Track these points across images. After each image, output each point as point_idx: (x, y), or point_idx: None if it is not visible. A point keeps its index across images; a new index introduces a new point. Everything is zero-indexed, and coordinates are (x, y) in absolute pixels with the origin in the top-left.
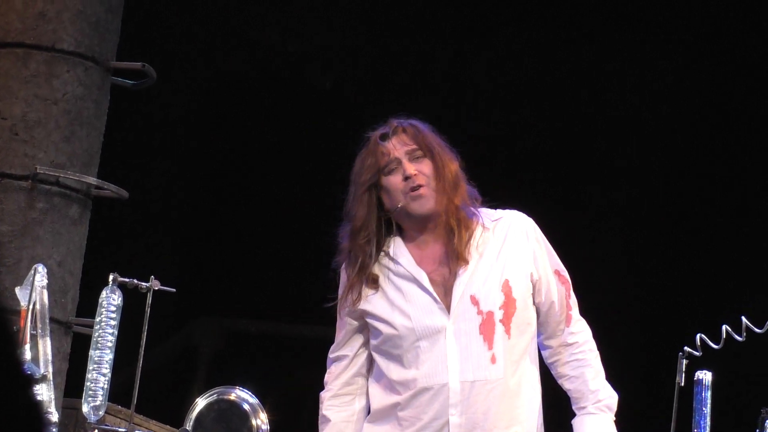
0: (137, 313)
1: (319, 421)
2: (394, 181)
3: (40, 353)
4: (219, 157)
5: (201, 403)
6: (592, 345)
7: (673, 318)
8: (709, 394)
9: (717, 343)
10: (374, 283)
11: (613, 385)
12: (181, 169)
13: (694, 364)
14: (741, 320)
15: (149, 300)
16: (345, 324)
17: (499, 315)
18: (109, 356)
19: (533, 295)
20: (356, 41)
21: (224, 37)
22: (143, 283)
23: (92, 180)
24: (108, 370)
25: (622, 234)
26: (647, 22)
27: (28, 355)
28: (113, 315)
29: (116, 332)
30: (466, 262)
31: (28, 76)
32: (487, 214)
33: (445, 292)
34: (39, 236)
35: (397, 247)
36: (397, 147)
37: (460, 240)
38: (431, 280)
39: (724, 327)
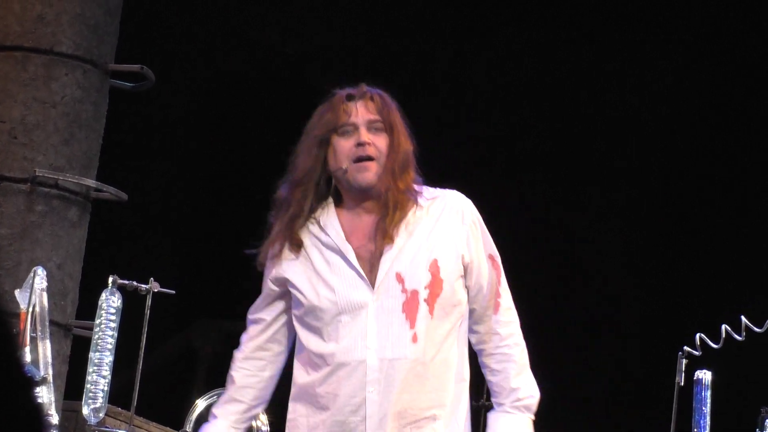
0: (137, 315)
1: (227, 380)
2: (345, 144)
3: (40, 356)
4: (218, 159)
5: (201, 404)
6: (519, 338)
7: (672, 318)
8: (708, 393)
9: (717, 343)
10: (297, 247)
11: (614, 384)
12: (181, 171)
13: (694, 364)
14: (740, 320)
15: (149, 302)
16: (267, 287)
17: (424, 294)
18: (109, 358)
19: (464, 277)
20: (356, 41)
21: (223, 38)
22: (143, 285)
23: (91, 182)
24: (108, 373)
25: (622, 234)
26: (647, 22)
27: (28, 357)
28: (113, 317)
29: (116, 334)
30: (392, 240)
31: (26, 79)
32: (426, 192)
33: (371, 267)
34: (38, 239)
35: (328, 216)
36: (360, 112)
37: (390, 220)
38: (358, 256)
39: (723, 326)
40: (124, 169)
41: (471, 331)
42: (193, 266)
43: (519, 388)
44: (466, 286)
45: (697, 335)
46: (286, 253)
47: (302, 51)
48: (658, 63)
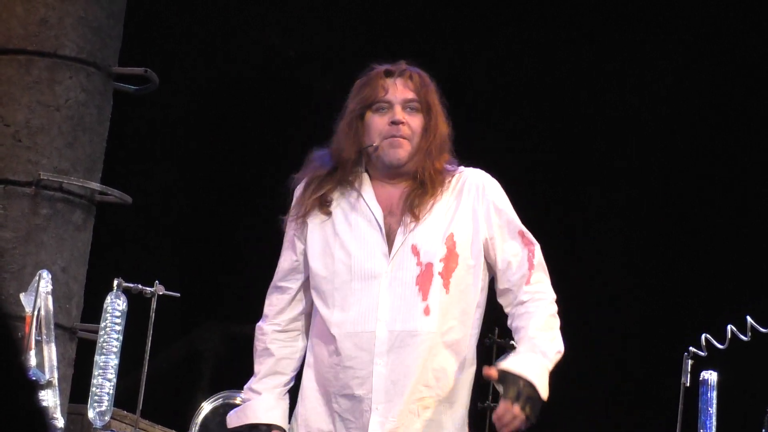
0: (142, 318)
1: (258, 354)
2: (379, 121)
3: (45, 359)
4: (222, 161)
5: (206, 407)
6: (547, 304)
7: (678, 318)
8: (714, 394)
9: (722, 343)
10: (325, 208)
11: (619, 385)
12: (185, 174)
13: (700, 365)
14: (746, 320)
15: (154, 305)
16: (292, 246)
17: (438, 267)
18: (114, 361)
19: (487, 257)
20: (357, 42)
21: (226, 41)
22: (148, 288)
23: (96, 186)
24: (113, 376)
25: (624, 234)
26: (647, 22)
27: (33, 361)
28: (118, 320)
29: (121, 337)
30: (417, 218)
31: (30, 83)
32: (452, 171)
33: (388, 238)
34: (43, 242)
35: (362, 183)
36: (398, 90)
37: (422, 198)
38: (384, 222)
39: (729, 327)
40: (128, 172)
41: (506, 311)
42: (197, 269)
43: (537, 336)
44: (489, 266)
45: (703, 336)
46: (313, 213)
47: (304, 52)
48: (658, 63)
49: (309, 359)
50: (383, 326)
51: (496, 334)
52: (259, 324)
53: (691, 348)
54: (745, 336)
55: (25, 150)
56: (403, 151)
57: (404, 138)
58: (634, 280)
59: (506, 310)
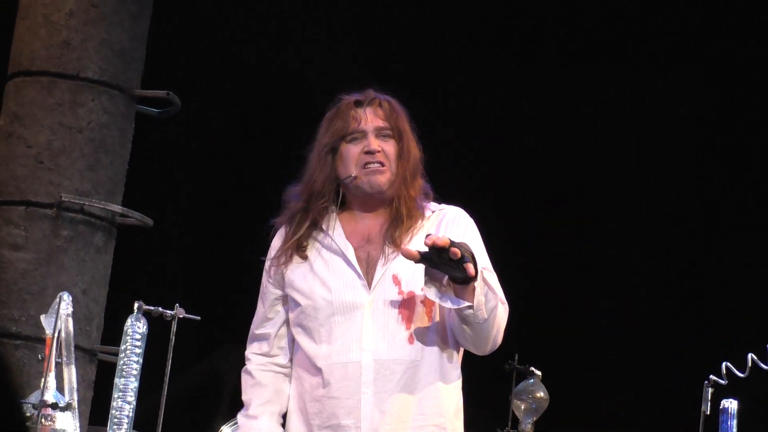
0: (162, 341)
1: (248, 388)
2: (354, 150)
3: (65, 381)
4: (243, 184)
5: (226, 430)
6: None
7: (698, 346)
8: (735, 422)
9: (742, 372)
10: (302, 251)
11: (640, 413)
12: (205, 197)
13: (720, 393)
14: (766, 348)
15: (174, 328)
16: (268, 293)
17: (421, 296)
18: (134, 384)
19: None
20: (378, 63)
21: (247, 63)
22: (168, 311)
23: (117, 208)
24: (133, 398)
25: (643, 262)
26: (665, 46)
27: (53, 383)
28: (138, 343)
29: (141, 360)
30: (398, 247)
31: (53, 105)
32: (431, 206)
33: (368, 268)
34: (64, 264)
35: (330, 220)
36: (369, 119)
37: (401, 231)
38: (357, 257)
39: (749, 355)
40: (149, 194)
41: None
42: (218, 292)
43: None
44: None
45: (723, 364)
46: (291, 260)
47: (326, 75)
48: (675, 85)
49: (292, 397)
50: (368, 355)
51: (516, 360)
52: (245, 368)
53: (711, 376)
54: (766, 364)
55: (46, 172)
56: (383, 177)
57: (381, 164)
58: (654, 308)
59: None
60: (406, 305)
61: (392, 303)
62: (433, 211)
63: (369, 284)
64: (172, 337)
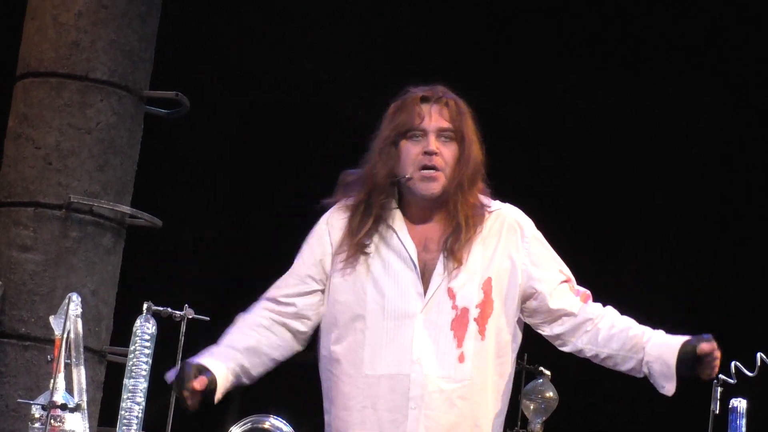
0: (171, 341)
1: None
2: (413, 149)
3: (75, 382)
4: (252, 184)
5: (235, 431)
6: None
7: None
8: (744, 422)
9: (752, 371)
10: (364, 248)
11: (648, 412)
12: (214, 197)
13: (729, 392)
14: None
15: (183, 328)
16: (307, 268)
17: (474, 313)
18: (143, 385)
19: (532, 294)
20: (386, 76)
21: (256, 64)
22: (177, 312)
23: (126, 209)
24: (142, 399)
25: (654, 259)
26: (689, 64)
27: (62, 384)
28: (147, 343)
29: (150, 361)
30: (460, 262)
31: (61, 106)
32: (488, 206)
33: (423, 276)
34: (73, 265)
35: (395, 219)
36: (433, 118)
37: (461, 240)
38: (418, 259)
39: (758, 354)
40: (158, 195)
41: (574, 333)
42: (227, 292)
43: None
44: (544, 304)
45: (732, 363)
46: (353, 255)
47: (334, 79)
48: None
49: (327, 404)
50: (419, 369)
51: (525, 359)
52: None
53: (720, 375)
54: None
55: (55, 173)
56: (436, 184)
57: (437, 170)
58: (662, 308)
59: (568, 338)
60: (459, 321)
61: (445, 318)
62: (490, 212)
63: (423, 293)
64: (182, 338)
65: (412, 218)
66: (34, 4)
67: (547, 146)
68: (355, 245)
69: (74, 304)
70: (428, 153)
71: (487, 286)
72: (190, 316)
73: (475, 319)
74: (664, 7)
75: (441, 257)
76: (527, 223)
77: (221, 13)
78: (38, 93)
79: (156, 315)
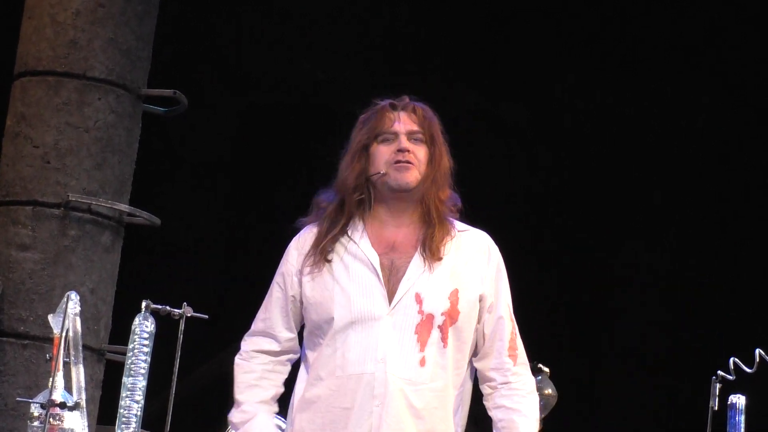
0: (170, 340)
1: (247, 382)
2: (384, 150)
3: (73, 381)
4: (250, 183)
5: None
6: (534, 394)
7: (705, 342)
8: (742, 418)
9: (750, 367)
10: (325, 259)
11: (647, 409)
12: (212, 195)
13: (728, 388)
14: None
15: (182, 327)
16: (285, 292)
17: (439, 320)
18: (142, 383)
19: (480, 316)
20: (384, 76)
21: (253, 62)
22: (176, 310)
23: (124, 207)
24: (141, 397)
25: (651, 258)
26: (687, 71)
27: (61, 382)
28: (146, 342)
29: (149, 359)
30: (440, 259)
31: (59, 104)
32: (457, 224)
33: (390, 276)
34: (71, 264)
35: (356, 226)
36: (402, 122)
37: (438, 236)
38: (381, 264)
39: (757, 351)
40: (156, 193)
41: (484, 378)
42: (226, 291)
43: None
44: (481, 329)
45: (731, 359)
46: (317, 263)
47: (333, 79)
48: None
49: (300, 405)
50: (382, 368)
51: None
52: (242, 363)
53: (719, 372)
54: None
55: (53, 171)
56: (410, 174)
57: (411, 163)
58: (662, 304)
59: (489, 374)
60: (423, 326)
61: (409, 321)
62: (460, 231)
63: (389, 294)
64: (180, 336)
65: (376, 222)
66: (31, 3)
67: (546, 146)
68: (320, 252)
69: (73, 303)
70: (401, 150)
71: (453, 297)
72: (189, 314)
73: (439, 326)
74: (663, 7)
75: (415, 256)
76: (496, 251)
77: (220, 13)
78: (36, 92)
79: (155, 313)
